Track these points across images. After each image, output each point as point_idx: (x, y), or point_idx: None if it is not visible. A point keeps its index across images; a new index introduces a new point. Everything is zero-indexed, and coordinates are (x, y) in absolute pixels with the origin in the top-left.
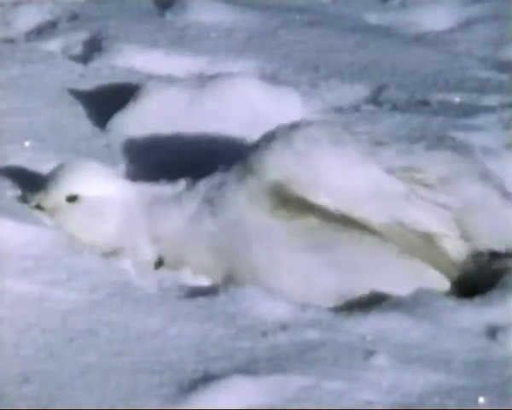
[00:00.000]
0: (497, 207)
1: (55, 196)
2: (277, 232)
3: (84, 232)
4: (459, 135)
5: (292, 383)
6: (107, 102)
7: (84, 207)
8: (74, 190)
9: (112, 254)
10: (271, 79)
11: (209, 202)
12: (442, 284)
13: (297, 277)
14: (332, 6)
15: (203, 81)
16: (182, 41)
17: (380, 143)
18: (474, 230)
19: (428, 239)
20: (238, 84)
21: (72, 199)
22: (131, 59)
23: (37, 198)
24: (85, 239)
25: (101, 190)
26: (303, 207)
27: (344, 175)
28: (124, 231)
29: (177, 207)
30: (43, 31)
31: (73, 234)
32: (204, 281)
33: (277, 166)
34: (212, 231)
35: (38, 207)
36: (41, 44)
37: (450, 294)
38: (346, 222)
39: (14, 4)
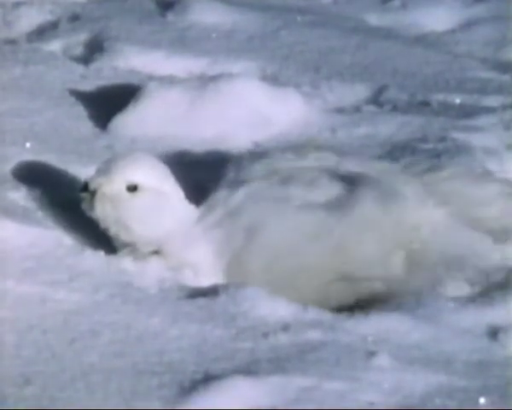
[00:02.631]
0: None
1: (117, 183)
2: None
3: (138, 223)
4: (460, 136)
5: (293, 384)
6: (108, 103)
7: (141, 198)
8: (135, 180)
9: (152, 254)
10: (272, 79)
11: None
12: None
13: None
14: (333, 7)
15: (204, 82)
16: (183, 42)
17: None
18: None
19: None
20: (239, 85)
21: (132, 188)
22: (132, 60)
23: (98, 183)
24: (137, 230)
25: (160, 185)
26: None
27: None
28: (176, 232)
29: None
30: (45, 31)
31: (126, 224)
32: (204, 282)
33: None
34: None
35: (93, 194)
36: (42, 45)
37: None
38: None
39: (16, 5)
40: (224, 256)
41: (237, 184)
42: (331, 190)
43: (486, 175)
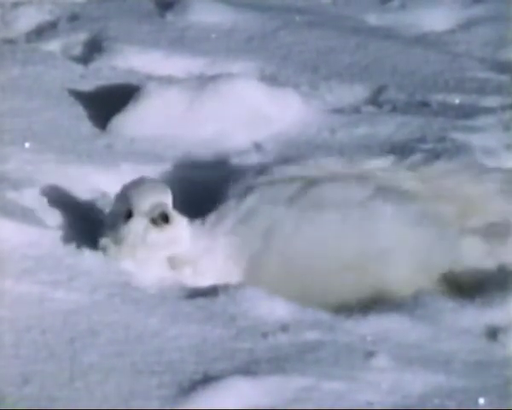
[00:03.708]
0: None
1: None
2: None
3: (133, 252)
4: (459, 136)
5: (292, 384)
6: (107, 103)
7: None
8: (130, 208)
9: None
10: (271, 79)
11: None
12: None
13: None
14: (332, 7)
15: (203, 82)
16: (182, 42)
17: None
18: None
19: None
20: (238, 85)
21: (128, 216)
22: (131, 59)
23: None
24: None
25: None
26: None
27: None
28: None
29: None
30: (44, 31)
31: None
32: (204, 281)
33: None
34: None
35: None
36: (41, 45)
37: (450, 294)
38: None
39: (15, 5)
40: (242, 261)
41: (246, 191)
42: (349, 192)
43: (484, 170)
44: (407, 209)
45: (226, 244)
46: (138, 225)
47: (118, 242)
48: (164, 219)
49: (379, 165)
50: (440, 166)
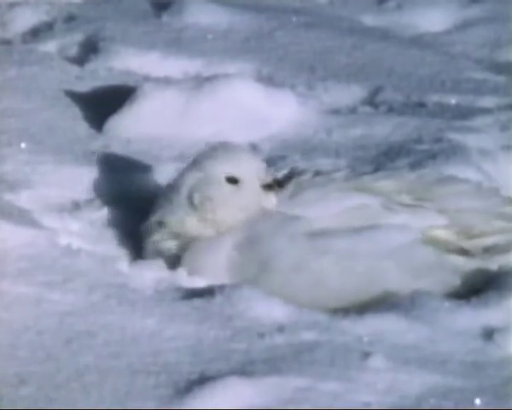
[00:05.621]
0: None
1: (216, 175)
2: None
3: (231, 216)
4: (455, 137)
5: (288, 385)
6: (103, 104)
7: (239, 191)
8: (235, 173)
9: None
10: (268, 80)
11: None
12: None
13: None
14: (328, 8)
15: (200, 83)
16: (178, 43)
17: None
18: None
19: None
20: (234, 85)
21: (232, 181)
22: (128, 61)
23: (196, 177)
24: (229, 221)
25: (257, 180)
26: None
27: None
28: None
29: None
30: (40, 32)
31: (220, 215)
32: (200, 282)
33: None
34: None
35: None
36: (37, 46)
37: (446, 295)
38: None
39: (11, 5)
40: (236, 279)
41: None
42: (355, 245)
43: (492, 193)
44: (410, 261)
45: (229, 256)
46: (251, 190)
47: (203, 210)
48: (278, 184)
49: (383, 184)
50: (450, 187)
